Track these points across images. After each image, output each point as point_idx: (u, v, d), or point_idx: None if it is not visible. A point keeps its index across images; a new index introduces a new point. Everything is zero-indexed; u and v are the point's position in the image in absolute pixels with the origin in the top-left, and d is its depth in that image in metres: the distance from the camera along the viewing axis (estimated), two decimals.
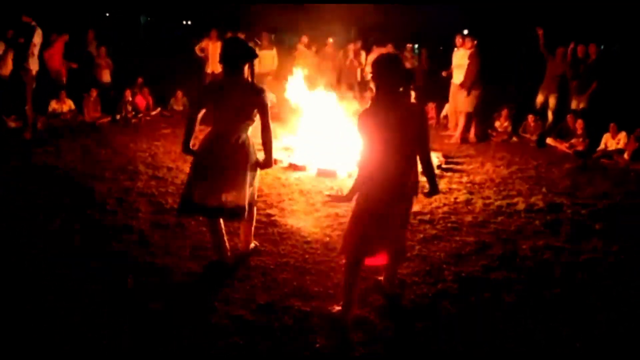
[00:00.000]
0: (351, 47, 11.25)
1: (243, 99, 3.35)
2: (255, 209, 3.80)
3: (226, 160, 3.40)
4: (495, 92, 9.80)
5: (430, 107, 10.32)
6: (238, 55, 3.36)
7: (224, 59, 3.38)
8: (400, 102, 2.93)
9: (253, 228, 3.91)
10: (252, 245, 3.95)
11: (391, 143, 2.88)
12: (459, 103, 8.69)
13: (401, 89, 2.94)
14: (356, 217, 3.01)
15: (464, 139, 8.56)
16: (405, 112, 2.91)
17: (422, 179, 3.10)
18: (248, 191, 3.48)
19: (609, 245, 4.32)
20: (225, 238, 3.72)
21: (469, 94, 8.43)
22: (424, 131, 2.97)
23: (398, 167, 2.92)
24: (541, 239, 4.44)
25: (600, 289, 3.62)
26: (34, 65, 7.21)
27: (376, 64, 2.93)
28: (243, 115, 3.37)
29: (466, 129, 8.64)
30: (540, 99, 8.97)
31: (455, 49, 8.81)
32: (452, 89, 8.87)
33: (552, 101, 8.73)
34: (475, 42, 8.43)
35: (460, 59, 8.57)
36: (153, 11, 28.13)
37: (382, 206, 2.95)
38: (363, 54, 11.24)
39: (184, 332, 2.92)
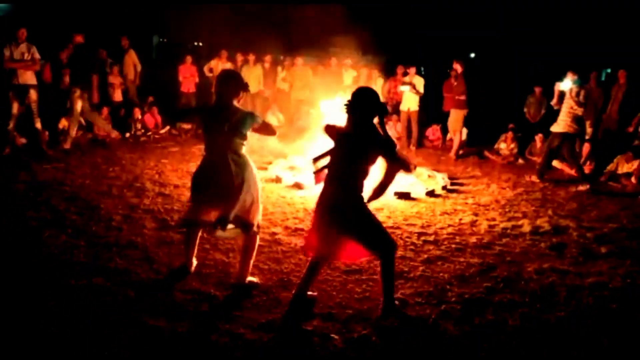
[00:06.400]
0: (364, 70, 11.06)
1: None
2: (257, 238, 3.70)
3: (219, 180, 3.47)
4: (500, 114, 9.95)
5: (435, 129, 10.39)
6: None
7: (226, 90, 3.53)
8: (369, 133, 3.13)
9: (252, 261, 3.72)
10: (250, 278, 3.72)
11: (336, 163, 3.23)
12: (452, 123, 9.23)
13: (376, 121, 3.16)
14: (312, 220, 3.43)
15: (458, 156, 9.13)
16: (367, 143, 3.11)
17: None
18: (240, 207, 3.46)
19: (615, 269, 4.29)
20: (195, 249, 3.87)
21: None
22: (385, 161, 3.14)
23: (332, 189, 3.21)
24: (546, 261, 4.41)
25: (606, 312, 3.58)
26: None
27: (353, 96, 3.20)
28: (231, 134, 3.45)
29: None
30: None
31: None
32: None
33: (587, 128, 8.72)
34: (460, 65, 8.92)
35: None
36: (165, 32, 28.73)
37: (322, 214, 3.27)
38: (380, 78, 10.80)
39: (183, 349, 2.91)
